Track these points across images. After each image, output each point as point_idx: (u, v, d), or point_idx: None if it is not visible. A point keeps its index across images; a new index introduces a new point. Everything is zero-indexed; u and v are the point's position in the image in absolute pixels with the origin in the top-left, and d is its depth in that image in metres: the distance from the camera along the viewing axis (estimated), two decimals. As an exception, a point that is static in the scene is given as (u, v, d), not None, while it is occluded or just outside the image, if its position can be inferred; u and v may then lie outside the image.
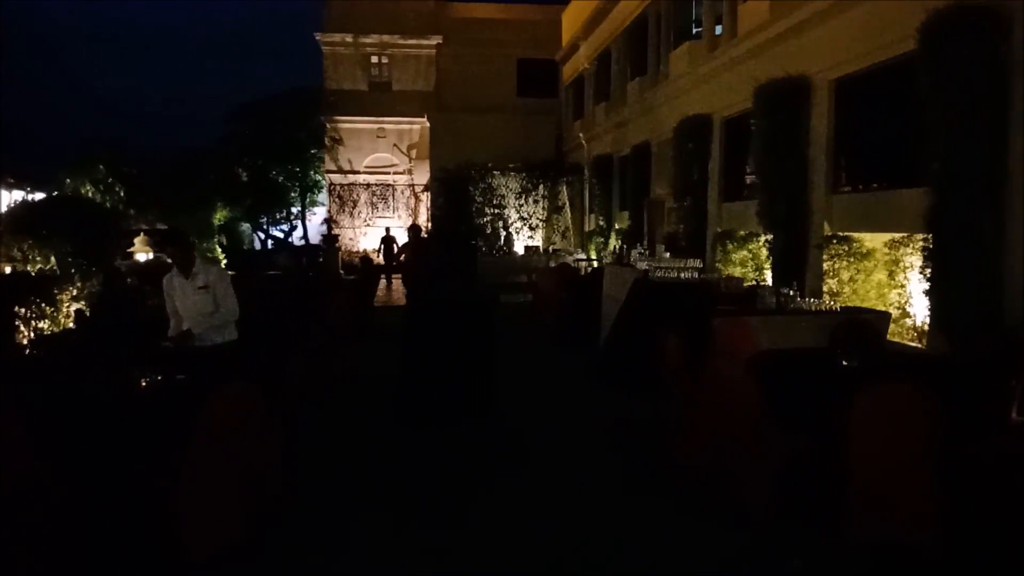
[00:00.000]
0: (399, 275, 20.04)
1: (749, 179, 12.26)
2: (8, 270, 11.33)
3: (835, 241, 9.82)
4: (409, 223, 21.07)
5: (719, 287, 8.67)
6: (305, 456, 5.73)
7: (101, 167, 20.63)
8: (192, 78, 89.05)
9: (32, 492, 3.45)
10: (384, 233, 22.73)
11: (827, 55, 10.15)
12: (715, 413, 5.09)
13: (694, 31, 16.13)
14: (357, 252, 26.38)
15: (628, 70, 19.81)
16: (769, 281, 10.53)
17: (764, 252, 11.52)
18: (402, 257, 19.57)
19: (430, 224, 26.23)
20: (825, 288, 9.78)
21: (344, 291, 12.15)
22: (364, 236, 29.31)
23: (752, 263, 12.04)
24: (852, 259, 9.55)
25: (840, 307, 7.60)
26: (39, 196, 15.64)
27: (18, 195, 14.50)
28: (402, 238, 20.16)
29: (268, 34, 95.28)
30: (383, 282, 20.22)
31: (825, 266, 9.90)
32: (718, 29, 14.43)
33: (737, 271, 12.03)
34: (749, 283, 10.01)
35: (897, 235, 8.70)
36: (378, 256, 22.38)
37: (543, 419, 7.18)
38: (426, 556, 4.17)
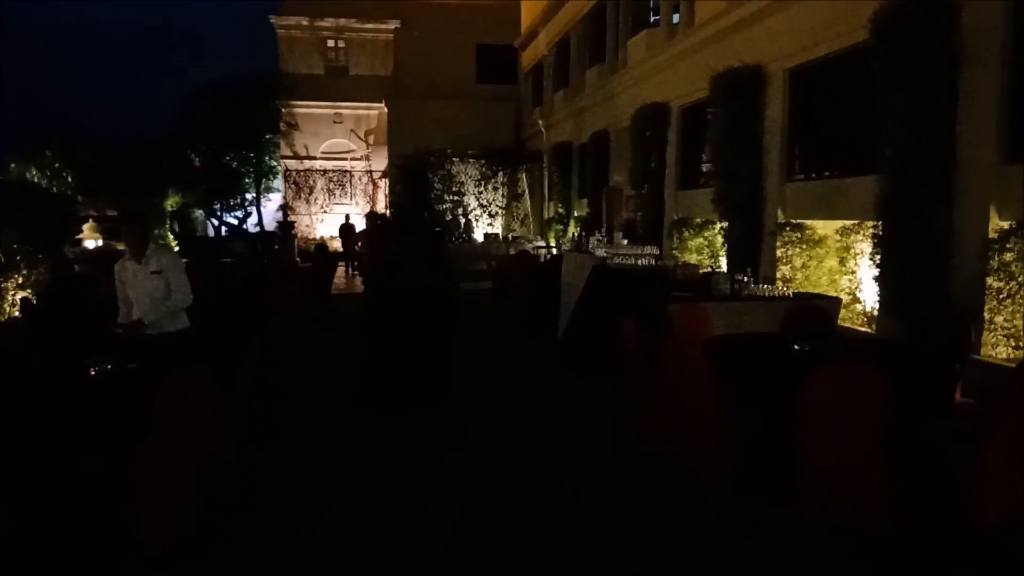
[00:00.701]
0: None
1: (706, 167, 12.40)
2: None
3: (788, 228, 9.99)
4: (367, 210, 20.87)
5: (676, 274, 8.78)
6: (262, 442, 5.67)
7: (48, 153, 20.02)
8: (153, 67, 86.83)
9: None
10: (344, 221, 22.49)
11: (782, 44, 10.29)
12: (672, 396, 5.16)
13: (652, 19, 16.22)
14: (314, 239, 26.04)
15: (587, 57, 19.83)
16: (724, 268, 10.68)
17: (719, 239, 11.69)
18: (359, 245, 19.44)
19: (389, 211, 26.02)
20: (778, 275, 9.96)
21: (301, 278, 12.01)
22: (321, 223, 28.96)
23: (708, 250, 12.21)
24: (804, 246, 9.74)
25: (793, 293, 7.76)
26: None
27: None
28: (361, 226, 19.94)
29: (226, 19, 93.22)
30: (343, 270, 20.03)
31: (778, 253, 10.08)
32: (676, 17, 14.52)
33: (693, 258, 12.18)
34: (705, 270, 10.15)
35: (848, 222, 8.89)
36: (338, 244, 22.13)
37: (504, 403, 7.24)
38: (381, 536, 4.17)
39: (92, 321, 6.36)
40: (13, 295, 9.77)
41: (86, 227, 16.31)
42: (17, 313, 9.37)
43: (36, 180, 18.79)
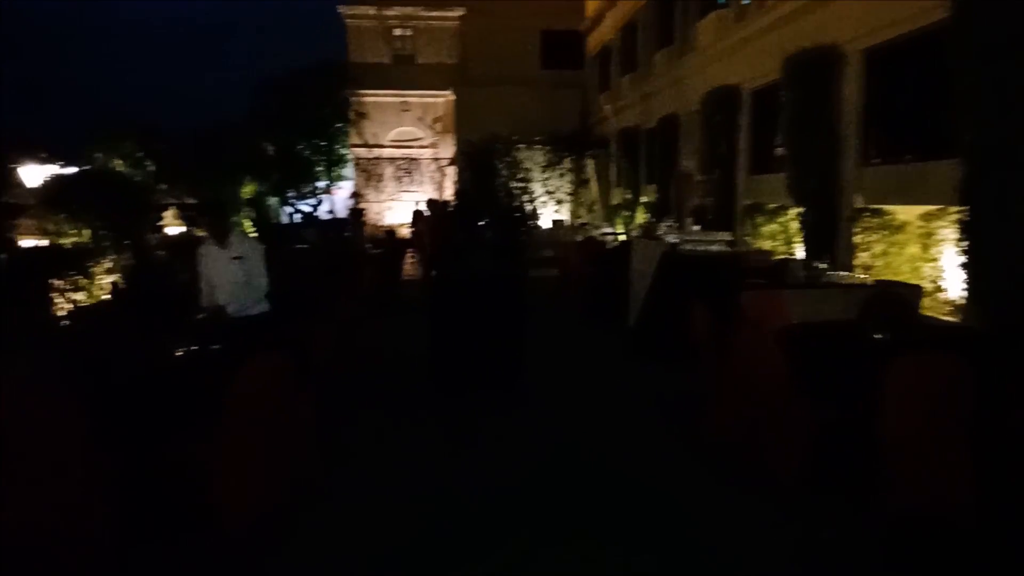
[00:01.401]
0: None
1: (779, 151, 12.09)
2: (44, 243, 11.56)
3: (867, 214, 9.67)
4: (431, 197, 20.92)
5: (748, 260, 8.61)
6: (336, 423, 5.82)
7: (131, 142, 20.83)
8: (223, 58, 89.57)
9: (73, 460, 3.54)
10: (415, 208, 22.59)
11: (858, 23, 9.93)
12: (745, 385, 5.08)
13: (721, 0, 15.84)
14: (383, 226, 26.44)
15: (654, 41, 19.52)
16: (799, 255, 10.42)
17: (794, 225, 11.39)
18: (412, 231, 19.56)
19: (454, 198, 26.20)
20: (856, 262, 9.66)
21: (371, 264, 12.23)
22: (390, 210, 29.36)
23: (782, 236, 11.91)
24: (885, 232, 9.41)
25: (872, 281, 7.53)
26: (71, 171, 15.81)
27: (51, 169, 14.66)
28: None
29: (293, 10, 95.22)
30: (413, 257, 20.21)
31: (856, 239, 9.77)
32: (746, -2, 14.17)
33: (766, 244, 11.91)
34: (779, 257, 9.92)
35: (931, 208, 8.55)
36: (407, 231, 22.20)
37: (572, 388, 7.25)
38: (456, 517, 4.24)
39: (172, 305, 6.62)
40: (102, 279, 10.24)
41: (167, 214, 16.93)
42: (106, 296, 9.83)
43: (120, 169, 19.58)
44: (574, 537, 4.05)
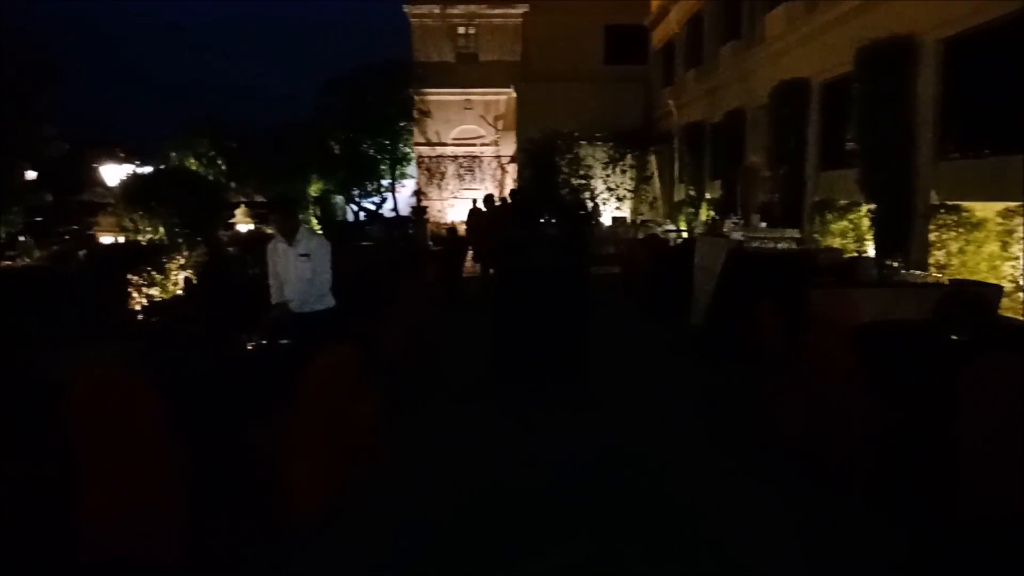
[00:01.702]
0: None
1: (850, 146, 11.75)
2: (121, 239, 12.04)
3: (943, 210, 9.32)
4: (489, 194, 20.78)
5: (818, 258, 8.40)
6: (400, 414, 5.91)
7: (205, 141, 21.52)
8: (293, 58, 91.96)
9: (150, 447, 3.68)
10: (472, 205, 22.48)
11: (935, 13, 9.56)
12: (813, 385, 4.97)
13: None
14: (445, 224, 26.67)
15: (721, 34, 19.17)
16: (871, 252, 10.11)
17: (866, 222, 11.04)
18: (467, 227, 19.46)
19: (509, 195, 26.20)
20: (931, 260, 9.31)
21: (433, 261, 12.38)
22: (451, 208, 29.59)
23: (853, 234, 11.56)
24: (961, 229, 9.05)
25: (948, 280, 7.26)
26: (147, 169, 16.44)
27: (128, 168, 15.28)
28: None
29: (361, 9, 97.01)
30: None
31: (932, 237, 9.42)
32: (817, -11, 13.79)
33: (836, 242, 11.58)
34: (849, 254, 9.65)
35: (1011, 204, 8.19)
36: (464, 229, 22.16)
37: (634, 385, 7.22)
38: (520, 509, 4.26)
39: (243, 300, 6.81)
40: (176, 274, 10.61)
41: (238, 212, 17.43)
42: (180, 291, 10.18)
43: (194, 167, 20.26)
44: (630, 537, 4.03)
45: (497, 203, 18.88)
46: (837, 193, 12.22)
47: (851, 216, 11.58)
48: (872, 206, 10.54)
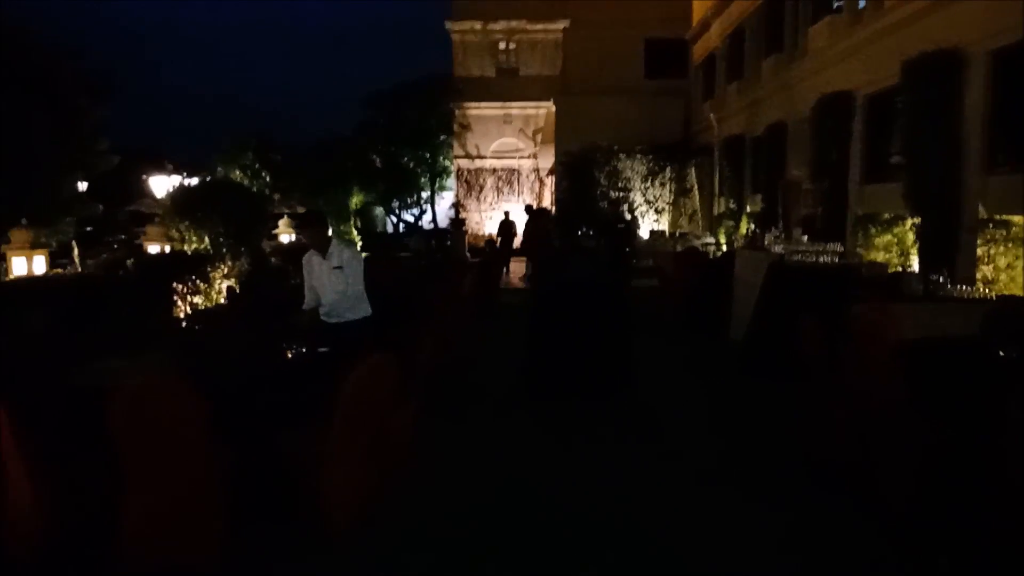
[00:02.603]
0: (521, 258, 20.08)
1: (895, 159, 11.54)
2: (168, 249, 12.33)
3: (991, 225, 9.10)
4: (529, 205, 20.76)
5: (861, 272, 8.25)
6: (436, 426, 5.94)
7: (250, 154, 22.00)
8: (336, 72, 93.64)
9: (193, 452, 3.75)
10: (504, 218, 22.16)
11: (984, 24, 9.37)
12: (856, 402, 4.87)
13: (835, 5, 15.28)
14: (483, 236, 26.80)
15: (763, 47, 19.02)
16: (916, 267, 9.90)
17: (910, 236, 10.83)
18: (500, 240, 19.24)
19: (552, 207, 26.24)
20: (979, 275, 9.09)
21: (471, 272, 12.43)
22: (490, 220, 29.74)
23: (897, 248, 11.35)
24: (1010, 244, 8.83)
25: (995, 295, 7.08)
26: (194, 181, 16.84)
27: (176, 180, 15.67)
28: (521, 222, 20.03)
29: (400, 25, 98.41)
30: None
31: (979, 251, 9.21)
32: (861, 2, 13.61)
33: (880, 256, 11.38)
34: (893, 269, 9.46)
35: (1065, 218, 7.97)
36: (497, 241, 22.08)
37: (673, 400, 7.13)
38: (549, 527, 4.24)
39: (286, 309, 6.92)
40: (220, 284, 10.82)
41: (281, 223, 17.73)
42: (223, 300, 10.38)
43: (239, 179, 20.69)
44: (659, 559, 3.98)
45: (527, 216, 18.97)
46: (881, 206, 12.01)
47: (895, 230, 11.37)
48: (917, 220, 10.33)
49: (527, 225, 17.78)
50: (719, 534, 4.19)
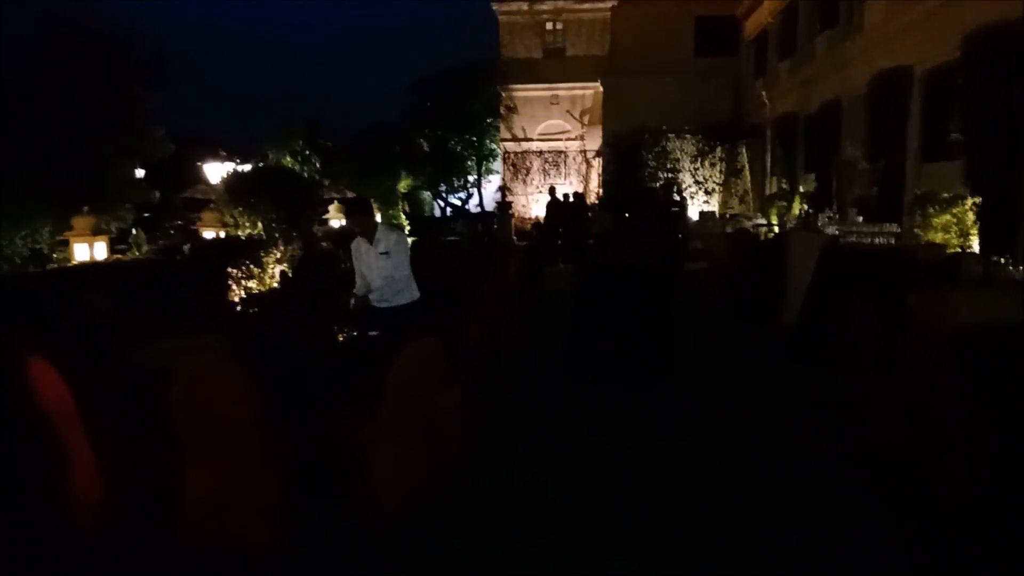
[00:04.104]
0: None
1: (954, 137, 11.15)
2: (222, 234, 12.61)
3: (1057, 204, 8.75)
4: (583, 188, 20.31)
5: (918, 255, 8.02)
6: (481, 408, 5.98)
7: (300, 140, 22.28)
8: (387, 59, 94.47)
9: (249, 432, 3.86)
10: (550, 197, 20.54)
11: (1055, -7, 8.95)
12: (912, 391, 4.76)
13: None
14: (529, 219, 26.73)
15: (816, 23, 18.50)
16: (976, 249, 9.58)
17: (970, 216, 10.47)
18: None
19: (601, 190, 26.03)
20: (1043, 257, 8.76)
21: (516, 256, 12.43)
22: (536, 203, 29.64)
23: (956, 229, 10.96)
24: (1078, 224, 8.48)
25: (1062, 278, 6.82)
26: (247, 167, 17.16)
27: (229, 166, 16.00)
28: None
29: (455, 7, 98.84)
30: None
31: (1044, 232, 8.86)
32: (921, -27, 13.12)
33: (939, 237, 11.01)
34: (952, 250, 9.18)
35: None
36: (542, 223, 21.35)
37: (721, 388, 7.00)
38: (597, 519, 4.26)
39: (336, 293, 7.03)
40: (273, 268, 11.03)
41: (332, 208, 17.96)
42: (276, 284, 10.59)
43: (290, 165, 21.00)
44: (697, 553, 3.96)
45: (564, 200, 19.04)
46: (940, 186, 11.62)
47: (955, 210, 10.98)
48: (978, 199, 9.98)
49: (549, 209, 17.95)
50: (754, 536, 4.07)
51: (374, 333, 5.16)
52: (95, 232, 10.83)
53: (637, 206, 9.85)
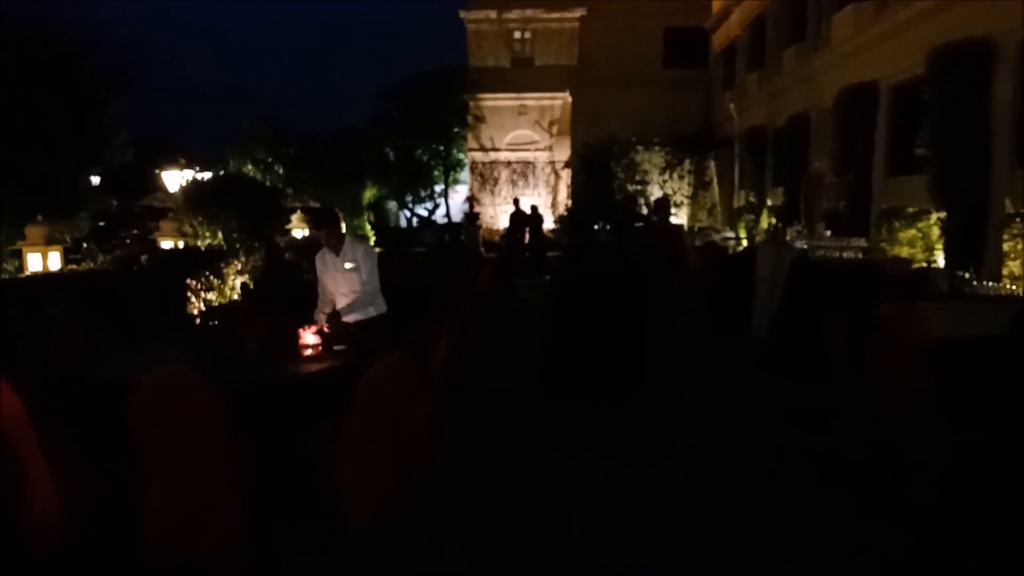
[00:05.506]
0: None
1: (920, 152, 11.30)
2: (181, 244, 12.30)
3: (1019, 220, 8.86)
4: (552, 200, 20.34)
5: (885, 269, 8.07)
6: (452, 422, 5.84)
7: (263, 147, 21.90)
8: (350, 66, 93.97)
9: (211, 449, 3.68)
10: (514, 208, 20.62)
11: (1016, 13, 9.11)
12: (881, 403, 4.72)
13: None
14: (497, 230, 26.64)
15: (785, 36, 18.74)
16: (941, 263, 9.68)
17: (936, 231, 10.60)
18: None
19: (570, 201, 26.04)
20: (1005, 272, 8.86)
21: (486, 267, 12.31)
22: (504, 214, 29.58)
23: (922, 243, 11.10)
24: (1039, 240, 8.59)
25: (1023, 292, 6.89)
26: (207, 175, 16.78)
27: (189, 174, 15.62)
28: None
29: (419, 16, 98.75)
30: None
31: (1006, 247, 8.97)
32: (887, -11, 13.34)
33: (904, 251, 11.14)
34: (918, 265, 9.26)
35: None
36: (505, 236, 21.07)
37: (692, 400, 6.95)
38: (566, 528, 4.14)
39: (301, 305, 6.84)
40: (233, 280, 10.75)
41: (294, 217, 17.65)
42: (236, 296, 10.32)
43: (252, 174, 20.60)
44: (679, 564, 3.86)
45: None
46: (906, 200, 11.77)
47: (920, 224, 11.13)
48: (943, 214, 10.11)
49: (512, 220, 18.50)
50: (732, 548, 4.00)
51: (340, 347, 4.99)
52: (49, 241, 10.49)
53: (621, 218, 9.80)
